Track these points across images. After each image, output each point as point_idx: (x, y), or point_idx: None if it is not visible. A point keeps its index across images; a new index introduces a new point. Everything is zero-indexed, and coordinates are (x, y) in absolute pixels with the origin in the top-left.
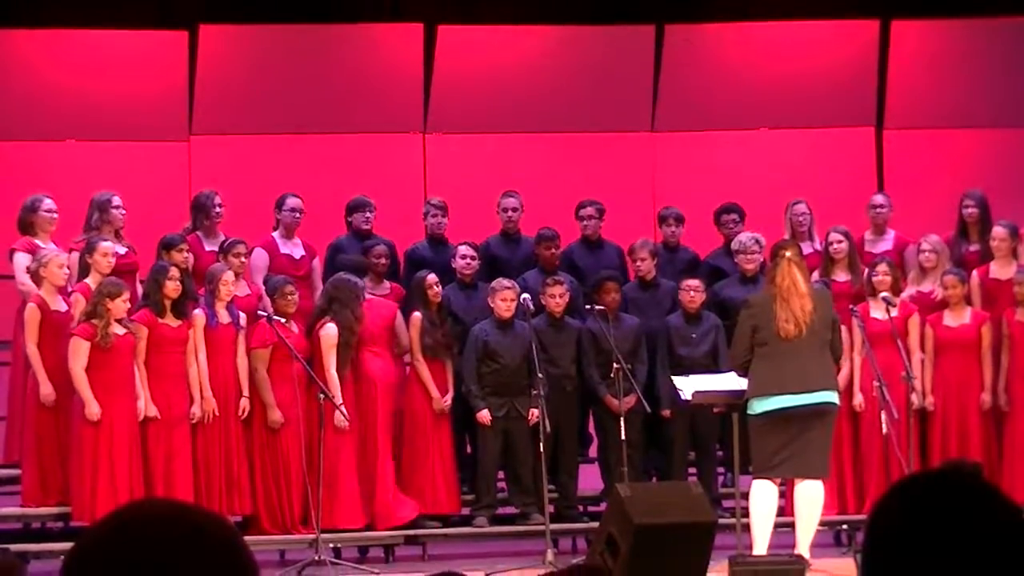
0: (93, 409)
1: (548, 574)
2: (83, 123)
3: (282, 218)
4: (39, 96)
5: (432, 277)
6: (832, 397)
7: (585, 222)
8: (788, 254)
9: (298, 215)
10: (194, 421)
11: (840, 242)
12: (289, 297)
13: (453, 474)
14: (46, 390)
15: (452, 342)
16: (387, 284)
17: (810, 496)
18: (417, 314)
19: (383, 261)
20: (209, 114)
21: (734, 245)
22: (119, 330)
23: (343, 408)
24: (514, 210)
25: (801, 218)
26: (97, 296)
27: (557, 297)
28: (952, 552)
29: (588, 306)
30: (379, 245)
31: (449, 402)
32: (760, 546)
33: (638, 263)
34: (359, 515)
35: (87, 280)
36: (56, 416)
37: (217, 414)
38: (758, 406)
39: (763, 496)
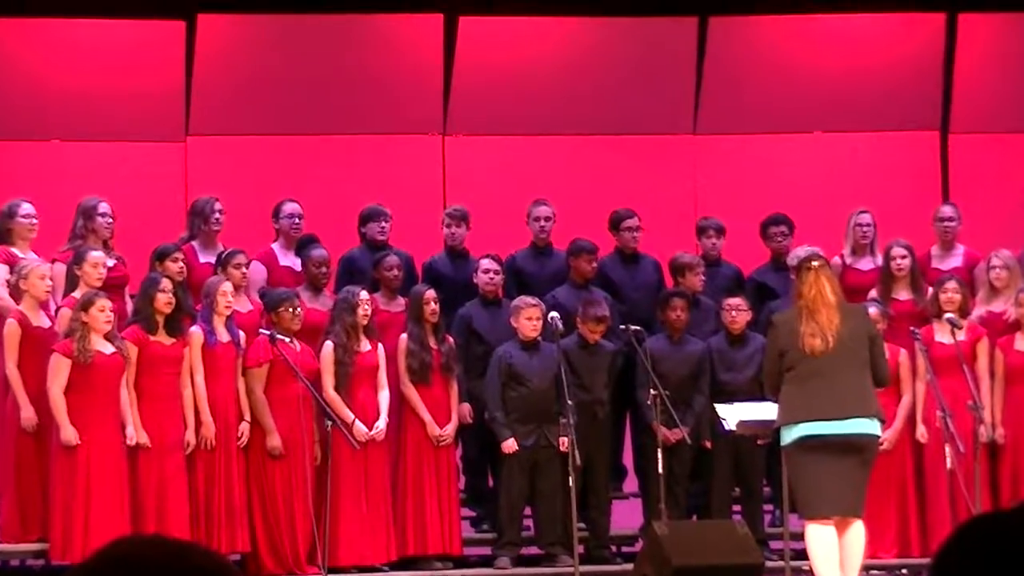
0: (68, 434)
1: None
2: (69, 121)
3: (280, 227)
4: (21, 92)
5: (431, 292)
6: (871, 427)
7: (633, 233)
8: (815, 264)
9: (298, 221)
10: (189, 449)
11: (904, 257)
12: (292, 312)
13: (454, 511)
14: (27, 414)
15: (453, 364)
16: (401, 300)
17: (850, 537)
18: (404, 336)
19: (395, 273)
20: (208, 112)
21: (791, 259)
22: (105, 348)
23: (359, 426)
24: (546, 219)
25: (865, 230)
26: (74, 311)
27: (598, 335)
28: None
29: (623, 326)
30: (391, 257)
31: (450, 432)
32: None
33: (692, 278)
34: (381, 549)
35: (75, 294)
36: (38, 443)
37: (214, 442)
38: (787, 435)
39: (822, 541)
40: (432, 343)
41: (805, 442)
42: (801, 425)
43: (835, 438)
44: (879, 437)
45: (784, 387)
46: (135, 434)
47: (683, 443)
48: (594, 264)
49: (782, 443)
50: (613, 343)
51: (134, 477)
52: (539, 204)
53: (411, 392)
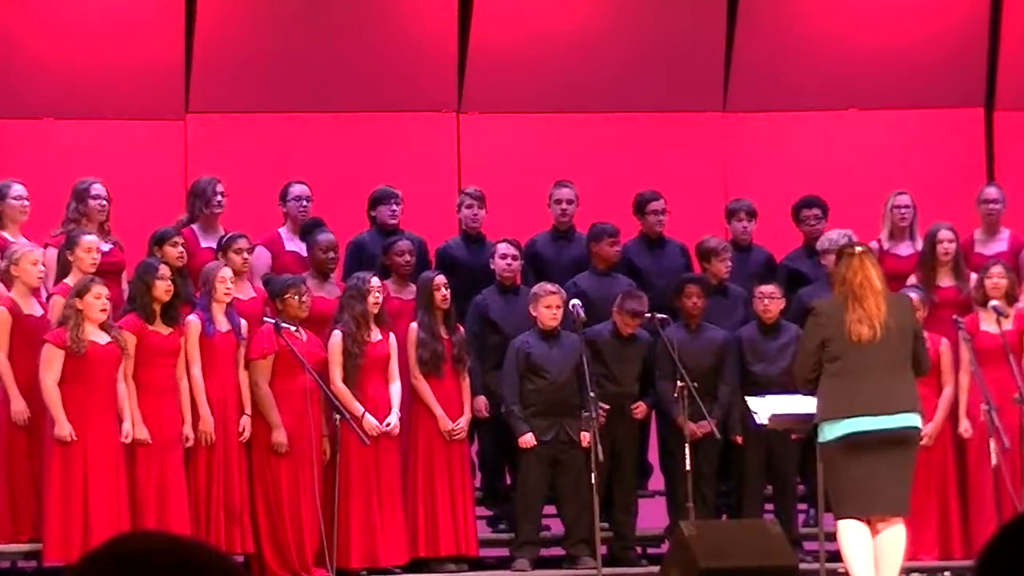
0: (64, 429)
1: None
2: (63, 98)
3: (288, 210)
4: (12, 67)
5: (440, 278)
6: (914, 420)
7: (659, 217)
8: (859, 249)
9: (306, 204)
10: (188, 444)
11: (951, 241)
12: (299, 299)
13: (468, 510)
14: (18, 407)
15: (464, 355)
16: (414, 287)
17: (890, 538)
18: (414, 325)
19: (407, 259)
20: (209, 89)
21: (821, 244)
22: (100, 337)
23: (369, 419)
24: (568, 202)
25: (904, 212)
26: (68, 297)
27: (632, 328)
28: None
29: (648, 314)
30: (402, 241)
31: (463, 426)
32: None
33: (717, 264)
34: (393, 551)
35: (67, 280)
36: (29, 437)
37: (213, 437)
38: (829, 431)
39: (855, 538)
40: (443, 332)
41: (850, 439)
42: (846, 421)
43: (881, 433)
44: (920, 430)
45: (824, 380)
46: (132, 430)
47: (710, 438)
48: (616, 247)
49: (821, 439)
50: (646, 333)
51: (132, 475)
52: (561, 186)
53: (422, 385)
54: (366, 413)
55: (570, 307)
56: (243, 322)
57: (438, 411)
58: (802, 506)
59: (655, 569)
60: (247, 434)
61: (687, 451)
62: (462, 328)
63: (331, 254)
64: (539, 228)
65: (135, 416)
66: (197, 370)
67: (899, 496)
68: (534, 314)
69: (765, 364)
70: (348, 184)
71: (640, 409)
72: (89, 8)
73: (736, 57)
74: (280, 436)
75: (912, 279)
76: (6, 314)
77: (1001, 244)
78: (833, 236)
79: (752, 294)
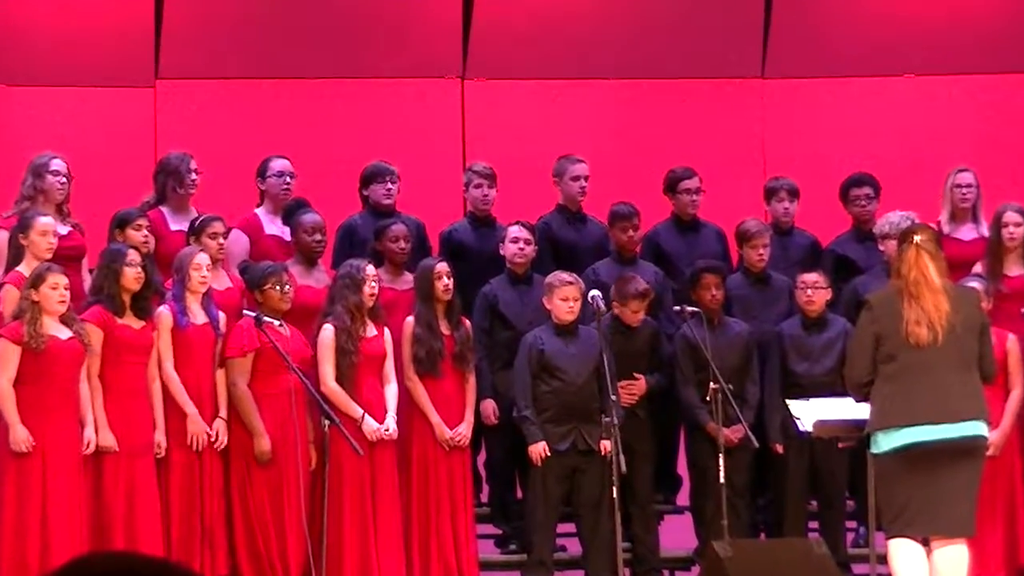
0: (20, 435)
1: None
2: (16, 63)
3: (267, 188)
4: None
5: (442, 266)
6: (981, 429)
7: (692, 197)
8: (917, 239)
9: (288, 181)
10: (159, 454)
11: (1017, 225)
12: (280, 290)
13: (470, 528)
14: None
15: (468, 353)
16: (409, 277)
17: (951, 559)
18: (410, 319)
19: (401, 245)
20: (182, 52)
21: (880, 228)
22: (60, 332)
23: (369, 421)
24: (585, 179)
25: (965, 192)
26: (23, 288)
27: (640, 315)
28: None
29: (678, 307)
30: (397, 224)
31: (464, 432)
32: None
33: (748, 251)
34: (391, 573)
35: (20, 267)
36: None
37: (203, 440)
38: (884, 442)
39: (909, 559)
40: (444, 328)
41: (908, 451)
42: (904, 430)
43: (944, 444)
44: (987, 439)
45: (879, 383)
46: (95, 436)
47: (742, 445)
48: (631, 233)
49: (875, 449)
50: (665, 326)
51: (97, 487)
52: (575, 161)
53: (417, 387)
54: (366, 415)
55: (589, 299)
56: (221, 315)
57: (434, 418)
58: (851, 524)
59: None
60: (223, 441)
61: (720, 462)
62: (467, 322)
63: (318, 236)
64: (552, 207)
65: (100, 421)
66: (170, 367)
67: (964, 515)
68: (549, 307)
69: (809, 363)
70: (337, 160)
71: (637, 386)
72: None
73: (776, 16)
74: (263, 444)
75: (978, 267)
76: None
77: None
78: (894, 219)
79: (795, 283)
